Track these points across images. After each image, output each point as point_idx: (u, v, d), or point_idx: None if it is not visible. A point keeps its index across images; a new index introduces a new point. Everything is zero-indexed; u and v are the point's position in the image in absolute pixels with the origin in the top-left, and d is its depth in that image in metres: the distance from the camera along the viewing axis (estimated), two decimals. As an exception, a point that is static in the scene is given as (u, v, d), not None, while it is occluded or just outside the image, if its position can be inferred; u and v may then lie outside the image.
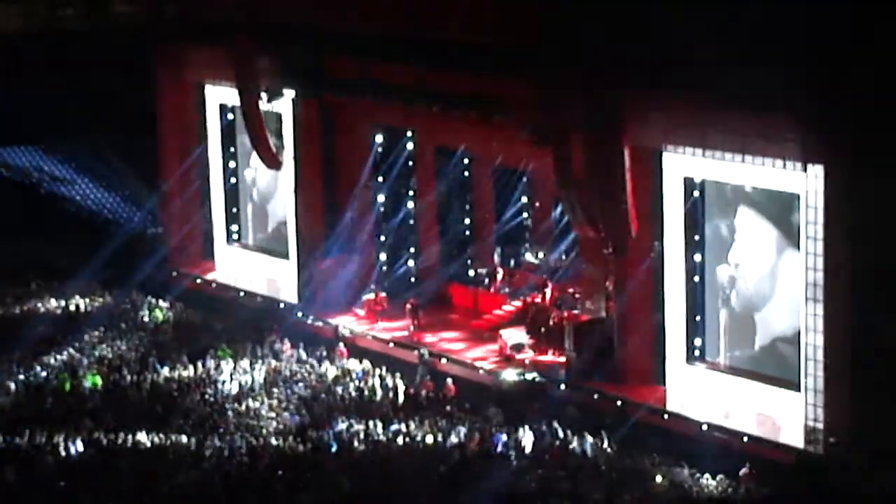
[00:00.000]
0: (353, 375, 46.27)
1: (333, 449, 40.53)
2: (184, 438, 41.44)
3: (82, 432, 41.75)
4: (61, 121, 66.05)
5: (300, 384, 45.66)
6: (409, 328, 49.31)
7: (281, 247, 55.08)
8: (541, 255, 51.51)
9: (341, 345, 48.61)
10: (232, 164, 57.27)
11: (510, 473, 38.67)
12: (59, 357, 48.06)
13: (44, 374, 46.83)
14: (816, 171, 38.42)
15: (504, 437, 40.85)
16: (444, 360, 46.67)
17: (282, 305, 52.50)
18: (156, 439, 41.44)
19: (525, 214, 53.19)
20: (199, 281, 56.17)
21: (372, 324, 50.11)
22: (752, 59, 38.21)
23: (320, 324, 50.67)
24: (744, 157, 39.95)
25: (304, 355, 47.98)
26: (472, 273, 52.43)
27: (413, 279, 52.42)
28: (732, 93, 38.87)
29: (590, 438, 40.60)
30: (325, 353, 48.04)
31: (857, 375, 38.06)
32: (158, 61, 57.01)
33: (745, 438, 39.65)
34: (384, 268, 52.77)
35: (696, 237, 42.63)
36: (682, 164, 42.15)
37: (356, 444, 40.89)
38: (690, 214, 42.56)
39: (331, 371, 46.66)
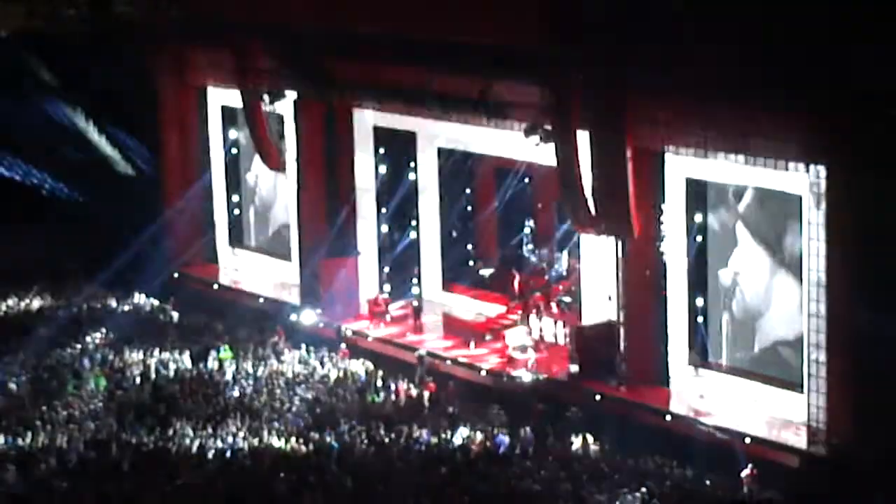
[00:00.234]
0: (356, 377, 46.27)
1: (335, 450, 40.50)
2: (186, 440, 41.42)
3: (85, 433, 41.75)
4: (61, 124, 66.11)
5: (302, 385, 45.65)
6: (411, 329, 49.29)
7: (283, 249, 55.09)
8: (543, 255, 51.44)
9: (343, 346, 48.61)
10: (234, 166, 57.26)
11: (512, 475, 38.62)
12: (62, 358, 48.04)
13: (47, 375, 46.84)
14: (819, 172, 38.39)
15: (506, 439, 40.84)
16: (447, 362, 46.64)
17: (284, 307, 52.50)
18: (158, 441, 41.41)
19: (528, 215, 53.09)
20: (201, 282, 56.14)
21: (373, 325, 50.10)
22: (754, 59, 38.21)
23: (323, 325, 50.66)
24: (746, 157, 39.94)
25: (306, 356, 47.98)
26: (473, 273, 52.42)
27: (415, 280, 52.36)
28: (735, 93, 38.88)
29: (592, 440, 40.58)
30: (327, 355, 48.04)
31: (859, 376, 38.02)
32: (160, 63, 57.01)
33: (748, 439, 39.61)
34: (387, 269, 52.72)
35: (698, 238, 42.62)
36: (684, 165, 42.13)
37: (358, 445, 40.86)
38: (692, 215, 42.53)
39: (333, 372, 46.65)
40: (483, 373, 45.91)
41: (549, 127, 43.03)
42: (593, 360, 44.23)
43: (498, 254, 53.02)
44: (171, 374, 46.93)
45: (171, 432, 41.88)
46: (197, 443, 41.22)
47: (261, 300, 53.84)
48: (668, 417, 41.60)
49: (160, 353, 48.56)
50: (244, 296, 54.61)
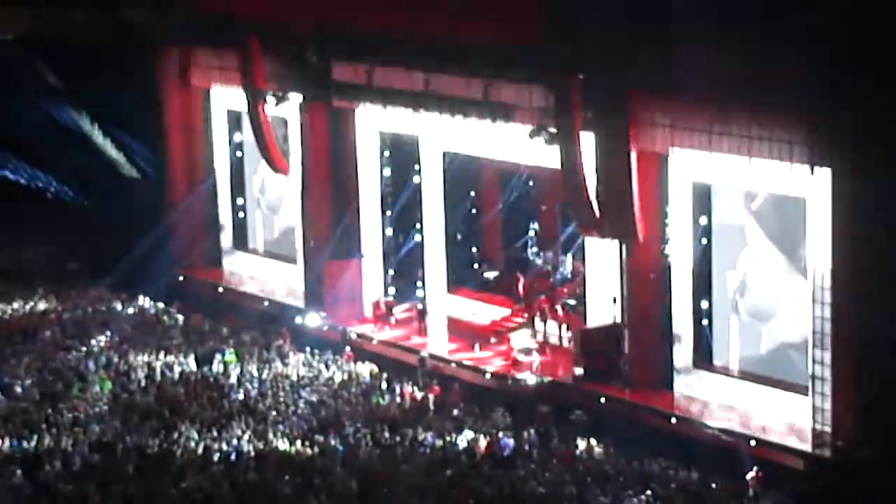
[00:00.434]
0: (361, 379, 46.28)
1: (340, 453, 40.50)
2: (191, 443, 41.44)
3: (90, 436, 41.77)
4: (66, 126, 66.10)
5: (307, 388, 45.66)
6: (416, 332, 49.28)
7: (288, 251, 55.11)
8: (548, 258, 51.45)
9: (348, 348, 48.62)
10: (239, 169, 57.30)
11: (517, 478, 38.61)
12: (66, 361, 48.07)
13: (51, 377, 46.86)
14: (823, 174, 38.38)
15: (511, 441, 40.83)
16: (452, 365, 46.65)
17: (289, 310, 52.52)
18: (163, 444, 41.43)
19: (532, 217, 53.09)
20: (206, 285, 56.15)
21: (378, 327, 50.11)
22: (758, 61, 38.20)
23: (327, 327, 50.67)
24: (751, 160, 39.92)
25: (311, 359, 47.98)
26: (477, 276, 52.42)
27: (420, 282, 52.34)
28: (739, 96, 38.87)
29: (596, 442, 40.56)
30: (332, 357, 48.05)
31: (864, 379, 37.99)
32: (165, 65, 57.06)
33: (753, 442, 39.58)
34: (391, 271, 52.72)
35: (704, 240, 42.60)
36: (689, 168, 42.12)
37: (363, 448, 40.86)
38: (698, 217, 42.52)
39: (338, 375, 46.65)
40: (488, 375, 45.89)
41: (552, 129, 43.02)
42: (598, 362, 44.20)
43: (502, 257, 53.02)
44: (176, 376, 46.92)
45: (175, 435, 41.86)
46: (202, 446, 41.21)
47: (266, 303, 53.84)
48: (673, 420, 41.57)
49: (165, 355, 48.57)
50: (249, 298, 54.60)
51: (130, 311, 54.03)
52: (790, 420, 40.33)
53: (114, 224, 60.46)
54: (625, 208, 42.42)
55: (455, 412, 43.55)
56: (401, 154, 51.99)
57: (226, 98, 56.22)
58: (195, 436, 41.81)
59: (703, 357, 43.03)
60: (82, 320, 52.96)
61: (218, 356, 48.02)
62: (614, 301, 44.86)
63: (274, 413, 43.77)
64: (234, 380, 46.31)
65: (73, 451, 40.83)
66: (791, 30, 37.64)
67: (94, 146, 65.14)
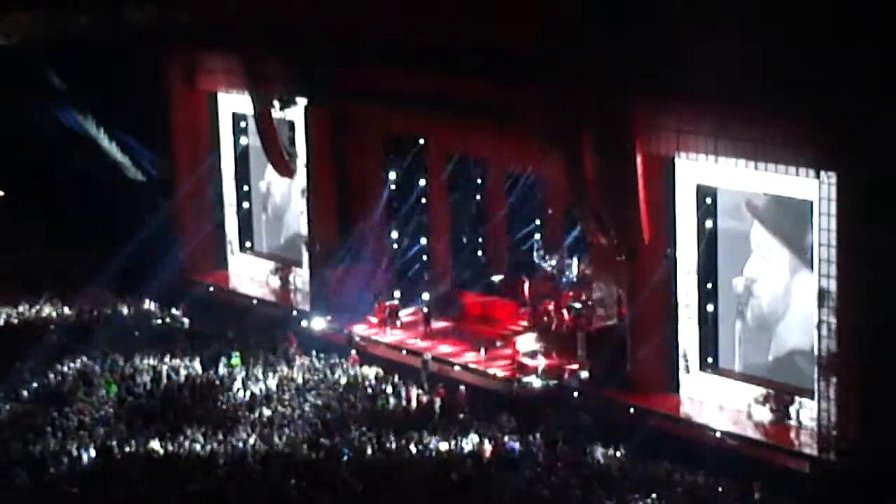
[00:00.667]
0: (366, 383, 46.27)
1: (346, 457, 40.51)
2: (197, 446, 41.45)
3: (95, 440, 41.79)
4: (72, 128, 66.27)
5: (313, 391, 45.66)
6: (421, 335, 49.29)
7: (294, 255, 55.13)
8: (554, 262, 51.44)
9: (354, 352, 48.62)
10: (245, 173, 57.35)
11: (522, 481, 38.60)
12: (72, 365, 48.11)
13: (57, 381, 46.90)
14: (829, 178, 38.36)
15: (517, 445, 40.80)
16: (456, 368, 46.65)
17: (294, 313, 52.52)
18: (169, 447, 41.45)
19: (538, 222, 53.10)
20: (211, 289, 56.20)
21: (383, 331, 50.11)
22: (763, 65, 38.20)
23: (333, 331, 50.67)
24: (756, 164, 39.91)
25: (316, 363, 47.98)
26: (484, 280, 52.42)
27: (425, 286, 52.35)
28: (745, 100, 38.87)
29: (602, 445, 40.54)
30: (337, 361, 48.06)
31: (870, 382, 37.96)
32: (171, 69, 57.12)
33: (759, 446, 39.55)
34: (397, 275, 52.73)
35: (709, 244, 42.58)
36: (694, 171, 42.12)
37: (369, 451, 40.86)
38: (703, 221, 42.51)
39: (343, 378, 46.65)
40: (494, 379, 45.87)
41: (558, 133, 43.01)
42: (603, 365, 44.17)
43: (508, 260, 53.01)
44: (182, 379, 46.92)
45: (181, 438, 41.88)
46: (207, 449, 41.22)
47: (271, 307, 53.85)
48: (679, 423, 41.53)
49: (170, 359, 48.58)
50: (255, 302, 54.58)
51: (135, 314, 54.00)
52: (795, 423, 40.29)
53: (119, 227, 60.58)
54: (631, 212, 42.41)
55: (461, 416, 43.52)
56: (407, 157, 51.99)
57: (232, 101, 56.26)
58: (200, 439, 41.83)
59: (709, 360, 43.00)
60: (87, 323, 53.01)
61: (223, 359, 48.00)
62: (619, 304, 44.87)
63: (279, 416, 43.76)
64: (239, 383, 46.29)
65: (79, 454, 40.85)
66: (795, 33, 37.66)
67: (99, 149, 65.29)
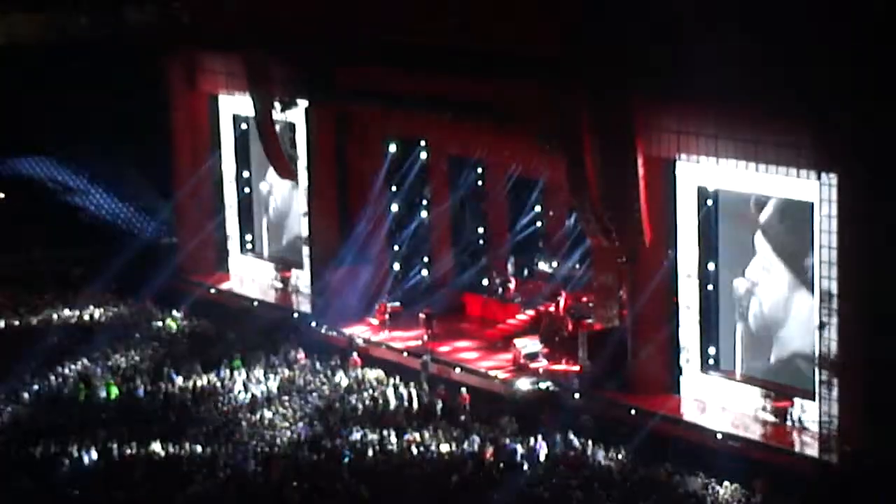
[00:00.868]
0: (368, 385, 46.28)
1: (347, 459, 40.51)
2: (198, 448, 41.46)
3: (97, 442, 41.80)
4: (75, 131, 66.30)
5: (314, 394, 45.65)
6: (422, 337, 49.29)
7: (295, 257, 55.12)
8: (554, 263, 51.45)
9: (355, 354, 48.60)
10: (246, 174, 57.36)
11: (524, 483, 38.61)
12: (73, 367, 48.13)
13: (58, 383, 46.91)
14: (830, 179, 38.35)
15: (518, 447, 40.80)
16: (457, 370, 46.64)
17: (296, 315, 52.51)
18: (170, 449, 41.46)
19: (539, 223, 53.11)
20: (212, 290, 56.20)
21: (385, 333, 50.10)
22: (764, 67, 38.19)
23: (334, 333, 50.66)
24: (757, 165, 39.90)
25: (317, 365, 47.97)
26: (485, 282, 52.42)
27: (427, 288, 52.37)
28: (745, 101, 38.86)
29: (603, 448, 40.53)
30: (338, 363, 48.05)
31: (872, 383, 37.95)
32: (172, 71, 57.12)
33: (760, 447, 39.55)
34: (397, 277, 52.73)
35: (710, 246, 42.57)
36: (695, 173, 42.10)
37: (370, 453, 40.86)
38: (704, 223, 42.51)
39: (344, 380, 46.65)
40: (495, 381, 45.87)
41: (559, 135, 43.01)
42: (604, 367, 44.16)
43: (509, 261, 52.98)
44: (182, 382, 46.92)
45: (182, 440, 41.88)
46: (209, 451, 41.23)
47: (272, 309, 53.85)
48: (680, 425, 41.53)
49: (171, 361, 48.57)
50: (256, 304, 54.59)
51: (136, 316, 54.00)
52: (797, 425, 40.29)
53: (121, 229, 60.79)
54: (631, 213, 42.40)
55: (462, 417, 43.52)
56: (408, 159, 52.01)
57: (233, 103, 56.23)
58: (202, 441, 41.83)
59: (710, 361, 42.99)
60: (88, 326, 53.02)
61: (225, 361, 48.00)
62: (620, 305, 44.88)
63: (280, 418, 43.76)
64: (240, 385, 46.30)
65: (80, 455, 40.86)
66: (796, 35, 37.64)
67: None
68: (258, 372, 47.26)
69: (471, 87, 46.12)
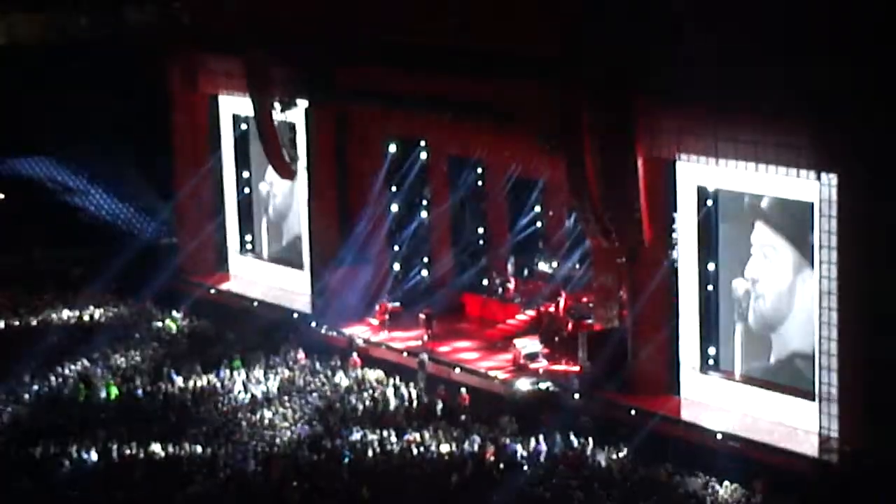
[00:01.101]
0: (368, 385, 46.27)
1: (347, 459, 40.51)
2: (198, 448, 41.46)
3: (97, 442, 41.81)
4: (75, 131, 66.30)
5: (314, 394, 45.65)
6: (422, 338, 49.28)
7: (295, 257, 55.10)
8: (554, 264, 51.43)
9: (355, 354, 48.59)
10: (246, 175, 57.34)
11: (524, 483, 38.60)
12: (73, 367, 48.13)
13: (58, 383, 46.90)
14: (830, 180, 38.34)
15: (518, 447, 40.79)
16: (457, 370, 46.64)
17: (296, 315, 52.50)
18: (170, 449, 41.46)
19: (539, 224, 53.08)
20: (212, 291, 56.20)
21: (385, 333, 50.10)
22: (764, 67, 38.18)
23: (334, 333, 50.66)
24: (757, 165, 39.89)
25: (317, 365, 47.96)
26: (485, 282, 52.42)
27: (426, 288, 52.35)
28: (745, 101, 38.85)
29: (603, 448, 40.52)
30: (338, 363, 48.04)
31: (872, 383, 37.94)
32: (172, 71, 57.12)
33: (760, 448, 39.54)
34: (397, 277, 52.72)
35: (710, 246, 42.55)
36: (695, 173, 42.10)
37: (370, 453, 40.86)
38: (704, 223, 42.49)
39: (344, 381, 46.64)
40: (495, 381, 45.87)
41: (559, 135, 43.00)
42: (604, 367, 44.15)
43: (509, 262, 52.98)
44: (182, 382, 46.92)
45: (182, 440, 41.88)
46: (209, 451, 41.22)
47: (272, 309, 53.84)
48: (680, 425, 41.52)
49: (171, 361, 48.57)
50: (255, 304, 54.58)
51: (136, 316, 54.00)
52: (797, 425, 40.28)
53: (120, 230, 60.76)
54: (631, 213, 42.39)
55: (462, 417, 43.51)
56: (408, 159, 52.00)
57: (233, 104, 56.23)
58: (202, 441, 41.82)
59: (710, 362, 42.97)
60: (88, 326, 53.01)
61: (225, 361, 48.00)
62: (620, 306, 44.87)
63: (280, 419, 43.76)
64: (240, 385, 46.30)
65: (80, 456, 40.85)
66: (796, 35, 37.64)
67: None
68: (258, 372, 47.28)
69: (471, 87, 46.11)
